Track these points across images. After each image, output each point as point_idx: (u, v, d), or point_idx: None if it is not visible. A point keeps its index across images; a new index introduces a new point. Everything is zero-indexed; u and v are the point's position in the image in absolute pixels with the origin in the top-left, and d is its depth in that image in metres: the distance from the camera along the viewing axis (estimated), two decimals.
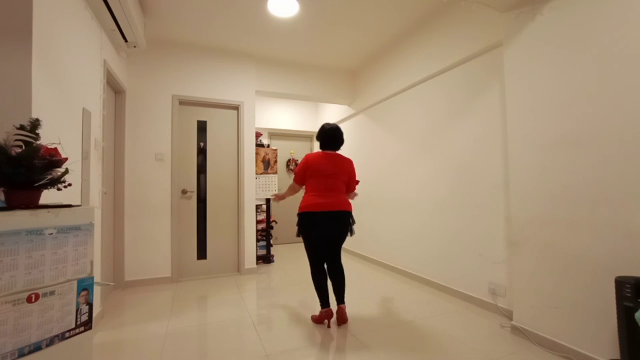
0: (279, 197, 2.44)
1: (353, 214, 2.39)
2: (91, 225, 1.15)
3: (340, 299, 2.22)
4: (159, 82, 3.29)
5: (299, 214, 2.24)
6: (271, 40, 3.39)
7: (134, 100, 3.18)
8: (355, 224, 2.33)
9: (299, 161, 5.56)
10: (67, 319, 1.05)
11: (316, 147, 5.76)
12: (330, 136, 2.27)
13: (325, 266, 2.27)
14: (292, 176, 5.56)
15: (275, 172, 4.14)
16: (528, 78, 1.95)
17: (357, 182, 2.43)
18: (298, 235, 2.27)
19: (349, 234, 2.27)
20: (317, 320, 2.21)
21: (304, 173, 2.25)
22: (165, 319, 2.33)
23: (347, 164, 2.30)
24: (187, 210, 3.43)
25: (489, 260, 2.39)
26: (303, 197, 2.25)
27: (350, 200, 2.32)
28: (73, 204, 1.22)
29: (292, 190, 2.37)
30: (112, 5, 2.12)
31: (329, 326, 2.17)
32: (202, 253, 3.48)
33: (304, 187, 2.33)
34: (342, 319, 2.17)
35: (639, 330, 1.29)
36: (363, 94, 4.16)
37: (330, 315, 2.16)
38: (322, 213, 2.14)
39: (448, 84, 2.82)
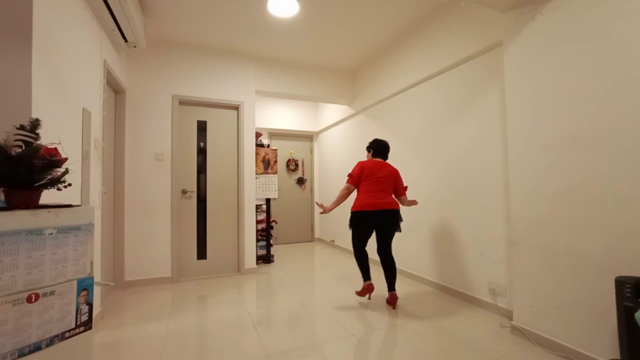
0: (330, 209, 2.58)
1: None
2: (91, 225, 1.15)
3: (391, 287, 2.53)
4: (158, 82, 3.29)
5: (354, 212, 2.55)
6: (271, 40, 3.39)
7: (134, 100, 3.18)
8: (402, 222, 2.64)
9: (299, 161, 5.63)
10: (67, 319, 1.05)
11: (316, 146, 5.80)
12: (384, 147, 2.70)
13: (379, 259, 2.61)
14: (292, 176, 5.58)
15: (275, 172, 4.14)
16: (528, 78, 1.95)
17: (406, 187, 2.70)
18: (350, 227, 2.62)
19: (398, 229, 2.59)
20: (361, 293, 2.57)
21: (360, 176, 2.57)
22: (165, 319, 2.33)
23: (394, 171, 2.61)
24: (187, 210, 3.43)
25: (489, 260, 2.39)
26: (357, 198, 2.56)
27: (400, 204, 2.62)
28: (73, 204, 1.22)
29: (345, 195, 2.57)
30: (112, 5, 2.12)
31: (369, 298, 2.63)
32: (202, 253, 3.48)
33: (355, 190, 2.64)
34: (393, 302, 2.50)
35: (639, 330, 1.29)
36: (363, 94, 4.16)
37: (372, 288, 2.53)
38: (373, 212, 2.47)
39: (448, 84, 2.81)
